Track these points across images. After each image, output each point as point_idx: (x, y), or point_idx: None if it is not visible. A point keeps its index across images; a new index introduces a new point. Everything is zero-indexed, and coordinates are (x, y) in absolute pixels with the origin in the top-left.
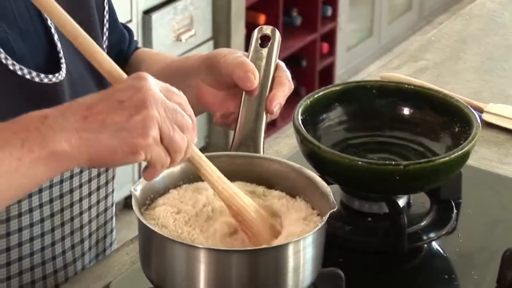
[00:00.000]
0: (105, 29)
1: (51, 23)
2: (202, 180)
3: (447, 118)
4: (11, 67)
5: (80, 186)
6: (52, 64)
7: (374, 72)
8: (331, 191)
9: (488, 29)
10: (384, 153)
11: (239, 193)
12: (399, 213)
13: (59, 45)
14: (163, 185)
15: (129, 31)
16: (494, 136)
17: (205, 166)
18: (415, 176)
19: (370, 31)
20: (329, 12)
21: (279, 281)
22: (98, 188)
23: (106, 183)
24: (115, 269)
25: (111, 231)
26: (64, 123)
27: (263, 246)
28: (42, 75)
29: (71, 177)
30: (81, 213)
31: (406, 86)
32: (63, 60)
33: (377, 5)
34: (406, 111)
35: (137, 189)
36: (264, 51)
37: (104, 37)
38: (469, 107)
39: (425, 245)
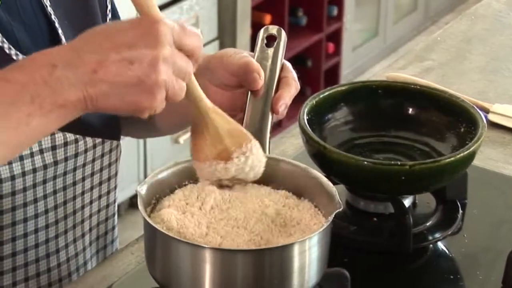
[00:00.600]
0: None
1: (54, 18)
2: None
3: (453, 118)
4: (14, 57)
5: (83, 179)
6: None
7: (380, 72)
8: (337, 191)
9: (493, 29)
10: (390, 153)
11: (210, 114)
12: (405, 213)
13: (63, 39)
14: (168, 184)
15: None
16: (500, 136)
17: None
18: (421, 176)
19: (376, 31)
20: (335, 12)
21: (284, 281)
22: (101, 183)
23: (109, 178)
24: (120, 268)
25: (113, 228)
26: (72, 76)
27: (269, 246)
28: None
29: (74, 169)
30: (83, 207)
31: (412, 86)
32: None
33: (382, 5)
34: (411, 111)
35: (143, 189)
36: (270, 51)
37: None
38: (475, 107)
39: (431, 245)
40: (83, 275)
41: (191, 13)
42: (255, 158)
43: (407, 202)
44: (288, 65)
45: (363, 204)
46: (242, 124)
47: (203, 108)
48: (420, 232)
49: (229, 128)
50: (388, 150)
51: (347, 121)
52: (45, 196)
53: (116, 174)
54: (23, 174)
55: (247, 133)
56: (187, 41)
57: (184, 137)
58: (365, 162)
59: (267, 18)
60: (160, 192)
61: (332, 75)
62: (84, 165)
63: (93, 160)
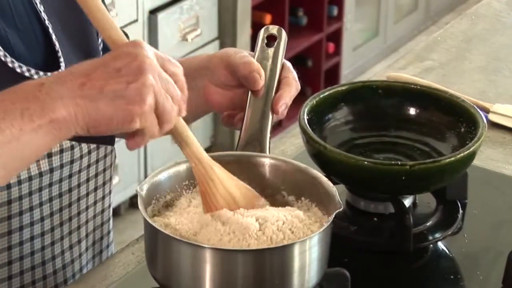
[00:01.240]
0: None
1: (48, 23)
2: None
3: (453, 118)
4: (10, 65)
5: (79, 186)
6: (51, 63)
7: (380, 72)
8: (337, 191)
9: (494, 29)
10: (390, 153)
11: (217, 170)
12: (405, 213)
13: (57, 44)
14: (169, 184)
15: (125, 35)
16: (500, 136)
17: (186, 139)
18: (421, 176)
19: (376, 31)
20: (335, 12)
21: (284, 281)
22: (96, 189)
23: (104, 183)
24: (121, 268)
25: (108, 232)
26: (61, 90)
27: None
28: (41, 73)
29: (70, 176)
30: (79, 213)
31: (412, 86)
32: (62, 59)
33: (383, 5)
34: (412, 111)
35: (143, 189)
36: (270, 50)
37: (99, 39)
38: (475, 107)
39: (431, 245)
40: (83, 274)
41: (191, 13)
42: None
43: (407, 202)
44: (289, 65)
45: (363, 204)
46: (242, 124)
47: (205, 161)
48: (420, 232)
49: (237, 183)
50: (389, 150)
51: (347, 121)
52: (41, 204)
53: (110, 179)
54: (19, 182)
55: (254, 191)
56: (169, 65)
57: None
58: (366, 162)
59: (268, 18)
60: (160, 192)
61: (333, 75)
62: (79, 171)
63: (88, 166)
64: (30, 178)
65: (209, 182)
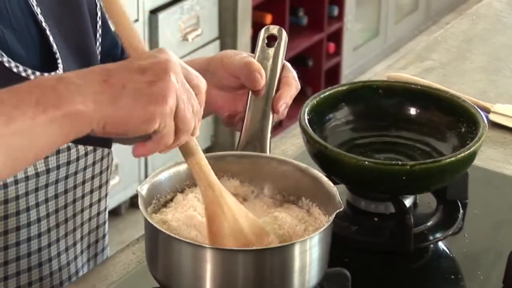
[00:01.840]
0: (98, 35)
1: (45, 25)
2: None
3: (454, 118)
4: (6, 64)
5: (75, 187)
6: (49, 64)
7: (381, 72)
8: (337, 191)
9: (494, 29)
10: (391, 153)
11: (228, 198)
12: (405, 213)
13: (54, 46)
14: (169, 185)
15: None
16: (500, 136)
17: (199, 161)
18: (422, 176)
19: (377, 31)
20: (336, 12)
21: (285, 281)
22: (92, 191)
23: (100, 186)
24: (121, 268)
25: (103, 236)
26: (81, 85)
27: (269, 246)
28: (38, 73)
29: (66, 177)
30: (74, 215)
31: (413, 86)
32: (59, 60)
33: (383, 5)
34: (412, 111)
35: (144, 189)
36: (271, 51)
37: (97, 43)
38: (476, 107)
39: (431, 245)
40: (84, 274)
41: (191, 13)
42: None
43: (408, 202)
44: (288, 65)
45: (364, 204)
46: (242, 124)
47: (217, 189)
48: (420, 232)
49: (246, 215)
50: (389, 150)
51: (347, 121)
52: (37, 204)
53: (107, 182)
54: (16, 182)
55: (263, 227)
56: (193, 77)
57: None
58: (366, 162)
59: (268, 18)
60: (161, 192)
61: (333, 75)
62: (75, 173)
63: (85, 168)
64: (26, 178)
65: (217, 208)
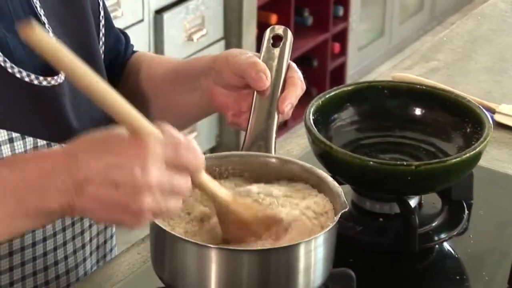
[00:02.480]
0: (101, 34)
1: (49, 27)
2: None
3: (459, 119)
4: (9, 70)
5: None
6: (51, 67)
7: (386, 72)
8: (342, 191)
9: (499, 30)
10: (396, 154)
11: (232, 207)
12: (410, 213)
13: None
14: None
15: (125, 35)
16: (506, 137)
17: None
18: (427, 177)
19: (382, 31)
20: (341, 12)
21: (290, 281)
22: None
23: None
24: (126, 268)
25: (111, 236)
26: (61, 186)
27: (275, 246)
28: (41, 78)
29: None
30: (81, 218)
31: (418, 86)
32: None
33: (388, 5)
34: (417, 111)
35: None
36: (276, 51)
37: (101, 42)
38: (481, 107)
39: (436, 245)
40: (89, 274)
41: (196, 13)
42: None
43: (413, 202)
44: (294, 65)
45: (368, 204)
46: (247, 123)
47: (223, 204)
48: (425, 233)
49: (254, 214)
50: (394, 151)
51: (353, 121)
52: None
53: None
54: None
55: (271, 213)
56: (182, 159)
57: (190, 137)
58: (371, 163)
59: (273, 18)
60: None
61: (338, 75)
62: None
63: None
64: None
65: (224, 217)
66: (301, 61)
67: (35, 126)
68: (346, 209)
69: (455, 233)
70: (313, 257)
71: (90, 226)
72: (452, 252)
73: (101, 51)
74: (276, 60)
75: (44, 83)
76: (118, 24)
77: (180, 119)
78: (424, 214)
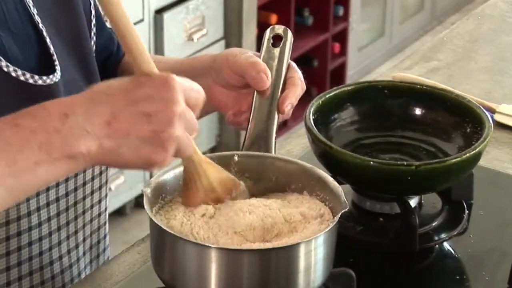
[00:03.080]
0: (92, 34)
1: (42, 26)
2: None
3: (459, 119)
4: (5, 69)
5: (75, 189)
6: (46, 66)
7: (386, 72)
8: (343, 191)
9: (500, 30)
10: (396, 154)
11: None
12: (411, 213)
13: (51, 48)
14: (174, 184)
15: None
16: (506, 137)
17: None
18: (427, 177)
19: (382, 31)
20: (341, 12)
21: (290, 280)
22: (92, 192)
23: (100, 187)
24: (126, 268)
25: (105, 236)
26: (86, 125)
27: (275, 246)
28: (36, 77)
29: (66, 180)
30: (76, 218)
31: (418, 86)
32: (57, 62)
33: (389, 5)
34: (418, 111)
35: (149, 189)
36: (276, 50)
37: (92, 41)
38: (481, 107)
39: (437, 245)
40: (89, 274)
41: (197, 13)
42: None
43: (413, 202)
44: (294, 65)
45: (369, 204)
46: (248, 123)
47: (196, 161)
48: (426, 233)
49: (220, 177)
50: (394, 150)
51: (353, 121)
52: (38, 209)
53: (106, 182)
54: None
55: (235, 179)
56: (192, 96)
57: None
58: (371, 162)
59: (273, 18)
60: (166, 192)
61: (338, 75)
62: (76, 175)
63: (85, 170)
64: None
65: (195, 176)
66: (301, 61)
67: None
68: (347, 209)
69: (455, 233)
70: (313, 257)
71: (84, 226)
72: (452, 252)
73: (93, 51)
74: (276, 60)
75: (40, 82)
76: None
77: None
78: (424, 214)
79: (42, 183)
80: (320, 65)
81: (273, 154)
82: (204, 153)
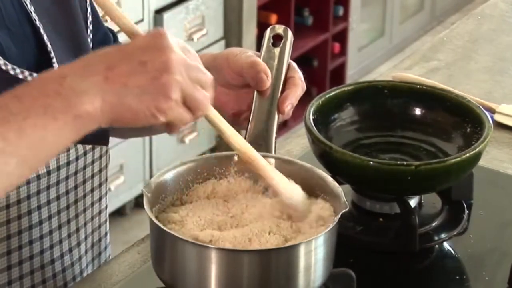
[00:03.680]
0: (89, 31)
1: (39, 23)
2: (215, 178)
3: (459, 119)
4: (3, 67)
5: (75, 187)
6: (44, 64)
7: (386, 72)
8: (343, 191)
9: (500, 30)
10: (396, 154)
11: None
12: (411, 213)
13: (49, 45)
14: (174, 184)
15: (113, 33)
16: (506, 137)
17: (220, 123)
18: (427, 177)
19: (382, 31)
20: (341, 12)
21: (290, 281)
22: (92, 190)
23: (100, 184)
24: (127, 268)
25: (105, 234)
26: (85, 84)
27: (274, 246)
28: (35, 75)
29: (67, 178)
30: (76, 216)
31: (418, 86)
32: (54, 60)
33: (388, 5)
34: (417, 111)
35: (149, 189)
36: (276, 50)
37: (89, 39)
38: (481, 107)
39: (436, 245)
40: (89, 274)
41: (197, 12)
42: None
43: (413, 202)
44: (294, 65)
45: (369, 204)
46: (248, 123)
47: (243, 155)
48: (426, 233)
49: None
50: (394, 150)
51: (353, 121)
52: (39, 207)
53: (106, 180)
54: (17, 186)
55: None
56: (190, 56)
57: (190, 136)
58: (371, 162)
59: (273, 17)
60: (166, 192)
61: (338, 75)
62: (75, 172)
63: (84, 168)
64: (28, 182)
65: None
66: (301, 61)
67: None
68: (347, 209)
69: (455, 233)
70: (313, 257)
71: (85, 224)
72: (452, 252)
73: (90, 47)
74: (276, 60)
75: None
76: None
77: None
78: (424, 214)
79: (55, 150)
80: (320, 65)
81: (273, 154)
82: (204, 153)
